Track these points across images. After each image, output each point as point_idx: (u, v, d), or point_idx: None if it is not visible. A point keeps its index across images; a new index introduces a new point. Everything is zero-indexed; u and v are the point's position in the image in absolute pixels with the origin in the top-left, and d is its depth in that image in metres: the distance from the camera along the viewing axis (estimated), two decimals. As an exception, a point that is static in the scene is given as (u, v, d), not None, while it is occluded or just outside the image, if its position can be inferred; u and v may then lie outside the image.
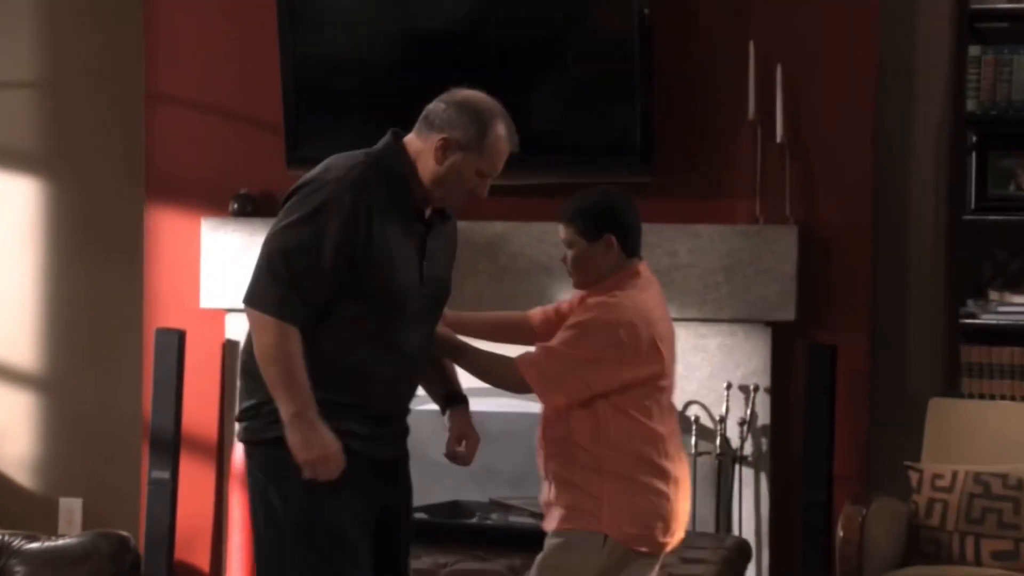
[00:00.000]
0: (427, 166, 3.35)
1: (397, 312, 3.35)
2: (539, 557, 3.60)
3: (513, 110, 5.34)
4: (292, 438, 3.21)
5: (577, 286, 3.58)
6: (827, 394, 5.30)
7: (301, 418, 3.22)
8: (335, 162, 3.32)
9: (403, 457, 3.47)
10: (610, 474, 3.51)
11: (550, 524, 3.61)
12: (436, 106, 3.38)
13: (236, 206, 5.69)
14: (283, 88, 5.56)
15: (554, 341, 3.47)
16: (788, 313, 5.37)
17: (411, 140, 3.34)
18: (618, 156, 5.34)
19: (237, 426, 3.42)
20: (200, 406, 5.86)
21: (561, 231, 3.59)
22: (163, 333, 5.75)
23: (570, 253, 3.52)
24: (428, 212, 3.38)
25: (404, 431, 3.49)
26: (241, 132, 5.81)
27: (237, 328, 5.75)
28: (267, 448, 3.30)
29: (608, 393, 3.50)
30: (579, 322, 3.49)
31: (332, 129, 5.50)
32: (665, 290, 5.16)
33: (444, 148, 3.33)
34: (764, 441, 5.51)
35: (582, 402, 3.47)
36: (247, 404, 3.39)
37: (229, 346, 5.86)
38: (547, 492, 3.62)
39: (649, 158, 5.36)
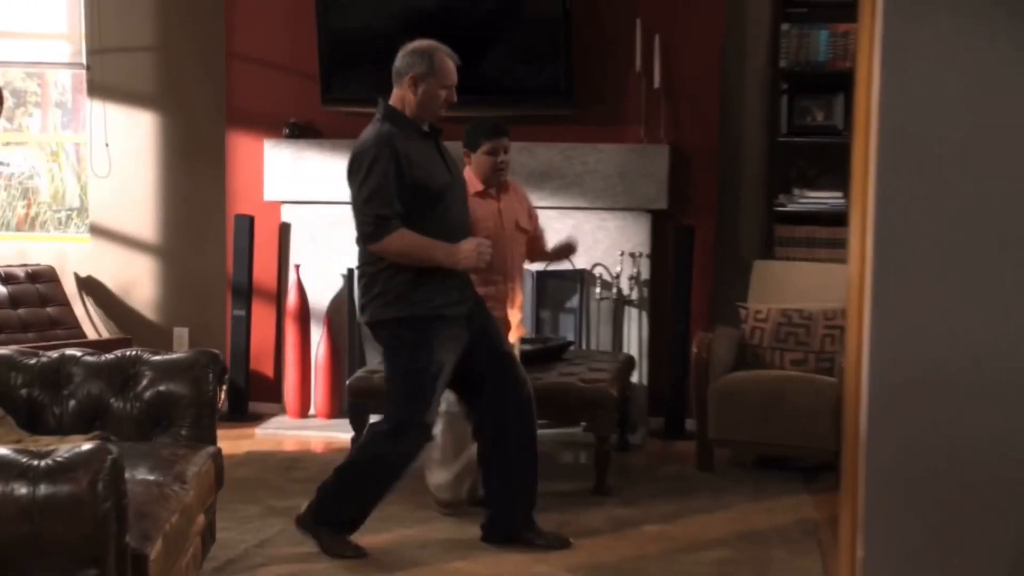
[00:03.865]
0: (410, 101, 3.91)
1: (446, 202, 3.90)
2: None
3: (477, 63, 5.61)
4: (461, 264, 3.87)
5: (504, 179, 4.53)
6: (687, 258, 6.18)
7: (452, 255, 3.89)
8: (364, 135, 3.89)
9: (475, 305, 4.13)
10: None
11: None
12: (397, 62, 3.93)
13: (287, 131, 6.46)
14: (319, 49, 6.29)
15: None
16: (662, 204, 6.20)
17: (395, 93, 3.97)
18: (548, 97, 6.12)
19: (362, 314, 4.03)
20: (265, 267, 6.65)
21: (506, 142, 4.54)
22: (239, 217, 6.54)
23: (510, 158, 4.55)
24: (427, 129, 3.97)
25: (471, 290, 4.17)
26: (290, 80, 6.55)
27: (289, 214, 6.54)
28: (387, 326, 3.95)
29: None
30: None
31: (352, 78, 6.22)
32: (578, 188, 6.22)
33: (413, 83, 3.86)
34: (645, 290, 6.31)
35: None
36: (368, 297, 3.92)
37: (284, 227, 6.60)
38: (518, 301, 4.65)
39: (570, 98, 6.11)
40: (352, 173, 3.79)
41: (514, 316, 4.69)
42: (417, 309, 3.86)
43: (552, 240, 4.98)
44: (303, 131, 6.50)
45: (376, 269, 3.85)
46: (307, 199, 6.46)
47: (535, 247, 4.81)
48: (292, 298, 6.52)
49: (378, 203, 3.70)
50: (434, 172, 3.83)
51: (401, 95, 3.87)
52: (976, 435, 2.78)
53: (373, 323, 3.94)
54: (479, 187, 4.49)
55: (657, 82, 6.12)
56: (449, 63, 3.84)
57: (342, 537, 4.14)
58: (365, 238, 3.79)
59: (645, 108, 6.20)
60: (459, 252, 3.80)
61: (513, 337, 4.65)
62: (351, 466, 4.08)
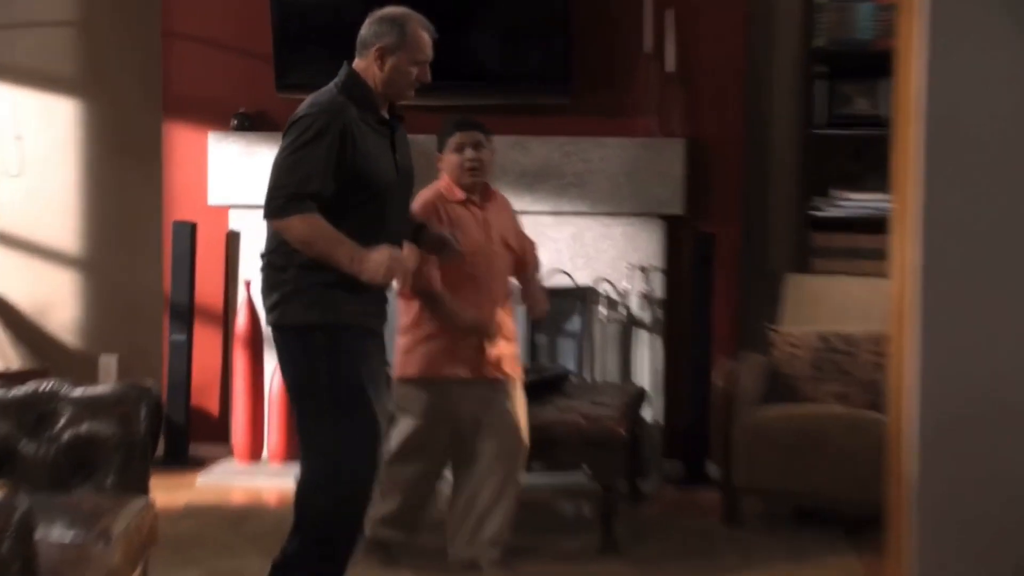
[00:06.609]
0: (375, 76, 3.91)
1: (383, 202, 3.91)
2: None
3: (459, 43, 5.94)
4: (364, 275, 3.75)
5: (481, 181, 4.67)
6: (707, 272, 6.32)
7: (357, 260, 3.78)
8: (315, 98, 3.88)
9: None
10: None
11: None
12: (363, 30, 3.94)
13: (236, 122, 6.58)
14: (272, 27, 6.44)
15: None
16: (677, 208, 6.34)
17: (358, 64, 3.96)
18: (543, 82, 6.35)
19: (269, 315, 3.96)
20: (209, 283, 6.80)
21: (483, 139, 4.69)
22: (179, 224, 6.65)
23: (484, 155, 4.68)
24: (387, 115, 3.97)
25: (386, 305, 4.11)
26: (239, 62, 6.70)
27: (239, 221, 6.69)
28: (299, 330, 3.89)
29: None
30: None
31: (310, 60, 6.28)
32: (579, 190, 6.39)
33: (380, 56, 3.87)
34: (658, 310, 6.49)
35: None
36: (278, 294, 3.90)
37: (231, 235, 6.75)
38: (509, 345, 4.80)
39: (568, 84, 6.32)
40: (290, 134, 3.84)
41: (508, 348, 4.77)
42: (344, 316, 3.89)
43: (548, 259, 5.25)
44: (254, 122, 6.69)
45: (287, 262, 3.88)
46: (259, 203, 6.11)
47: (521, 272, 4.92)
48: (241, 320, 6.66)
49: (302, 176, 3.75)
50: (379, 165, 3.90)
51: (365, 67, 3.95)
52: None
53: (284, 327, 3.94)
54: (460, 195, 4.65)
55: (671, 65, 6.33)
56: (424, 35, 3.93)
57: None
58: (270, 211, 3.82)
59: (657, 96, 6.42)
60: (365, 260, 3.78)
61: (514, 373, 4.78)
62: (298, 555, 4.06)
